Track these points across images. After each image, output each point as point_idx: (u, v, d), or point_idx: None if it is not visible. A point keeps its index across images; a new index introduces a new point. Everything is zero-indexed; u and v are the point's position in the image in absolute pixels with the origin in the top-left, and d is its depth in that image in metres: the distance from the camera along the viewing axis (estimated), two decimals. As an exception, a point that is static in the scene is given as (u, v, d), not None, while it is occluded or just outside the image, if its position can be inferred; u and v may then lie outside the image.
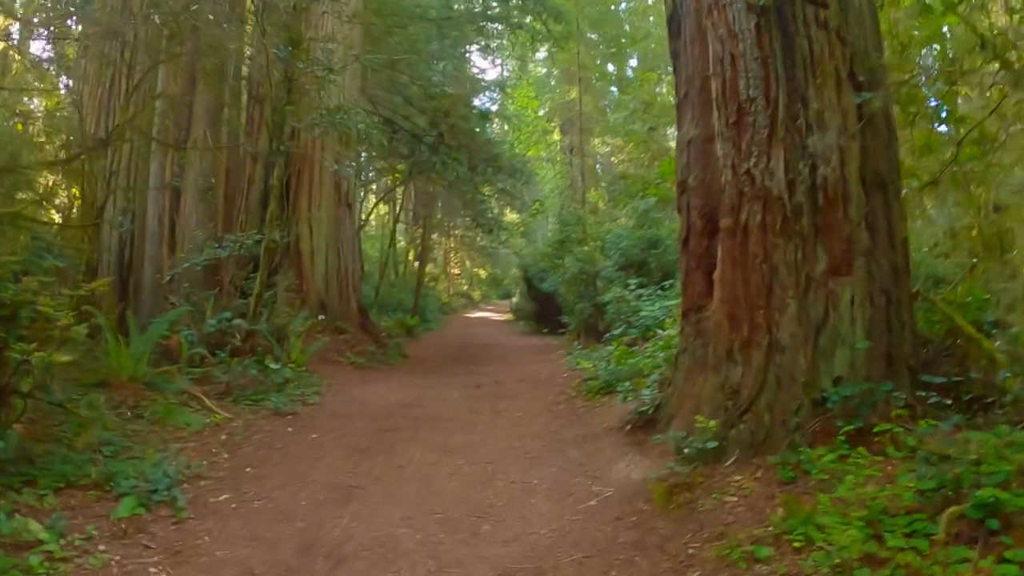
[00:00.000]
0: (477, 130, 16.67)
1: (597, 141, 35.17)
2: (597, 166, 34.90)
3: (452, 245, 40.34)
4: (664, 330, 7.82)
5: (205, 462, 5.03)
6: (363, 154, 16.77)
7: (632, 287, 10.09)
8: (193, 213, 11.32)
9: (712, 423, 4.39)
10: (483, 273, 45.34)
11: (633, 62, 28.83)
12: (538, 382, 9.06)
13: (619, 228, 14.64)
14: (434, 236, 35.72)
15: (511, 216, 25.74)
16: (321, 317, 9.83)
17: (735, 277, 4.73)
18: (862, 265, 4.47)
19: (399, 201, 28.72)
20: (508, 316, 27.85)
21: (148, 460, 4.65)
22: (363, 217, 28.31)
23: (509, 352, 14.22)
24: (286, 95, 8.93)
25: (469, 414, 7.04)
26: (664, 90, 20.17)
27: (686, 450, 4.43)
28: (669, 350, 6.50)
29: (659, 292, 10.17)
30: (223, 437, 5.76)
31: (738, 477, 4.06)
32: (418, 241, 24.08)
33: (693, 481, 4.14)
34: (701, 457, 4.33)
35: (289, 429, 6.23)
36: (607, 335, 9.93)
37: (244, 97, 12.53)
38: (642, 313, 8.89)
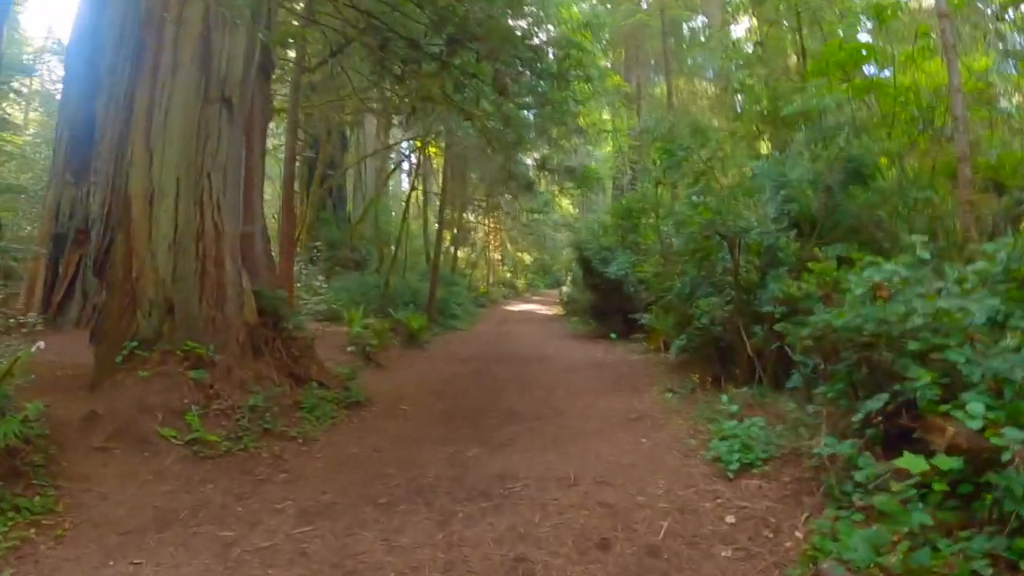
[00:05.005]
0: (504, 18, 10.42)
1: (659, 91, 28.41)
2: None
3: (492, 225, 34.13)
4: None
5: None
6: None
7: (929, 260, 3.64)
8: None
9: None
10: (527, 258, 39.29)
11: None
12: None
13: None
14: (468, 214, 29.72)
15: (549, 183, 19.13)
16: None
17: None
18: None
19: (419, 162, 22.79)
20: (557, 310, 21.83)
21: None
22: (385, 176, 22.17)
23: (559, 382, 8.05)
24: None
25: None
26: None
27: None
28: None
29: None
30: None
31: None
32: (438, 218, 18.03)
33: None
34: None
35: None
36: (794, 377, 3.73)
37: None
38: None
